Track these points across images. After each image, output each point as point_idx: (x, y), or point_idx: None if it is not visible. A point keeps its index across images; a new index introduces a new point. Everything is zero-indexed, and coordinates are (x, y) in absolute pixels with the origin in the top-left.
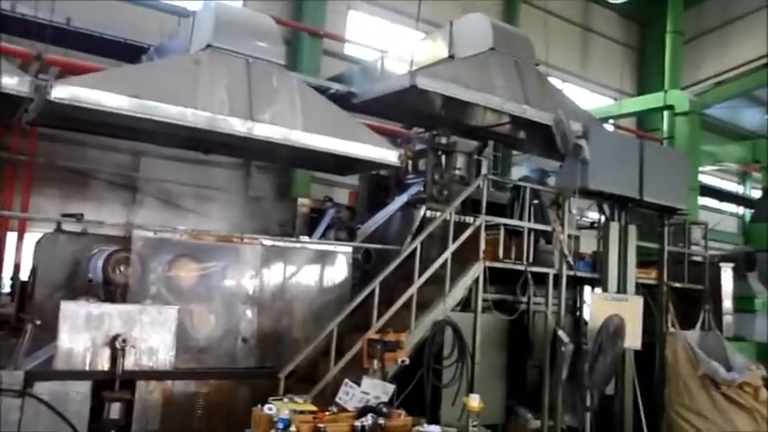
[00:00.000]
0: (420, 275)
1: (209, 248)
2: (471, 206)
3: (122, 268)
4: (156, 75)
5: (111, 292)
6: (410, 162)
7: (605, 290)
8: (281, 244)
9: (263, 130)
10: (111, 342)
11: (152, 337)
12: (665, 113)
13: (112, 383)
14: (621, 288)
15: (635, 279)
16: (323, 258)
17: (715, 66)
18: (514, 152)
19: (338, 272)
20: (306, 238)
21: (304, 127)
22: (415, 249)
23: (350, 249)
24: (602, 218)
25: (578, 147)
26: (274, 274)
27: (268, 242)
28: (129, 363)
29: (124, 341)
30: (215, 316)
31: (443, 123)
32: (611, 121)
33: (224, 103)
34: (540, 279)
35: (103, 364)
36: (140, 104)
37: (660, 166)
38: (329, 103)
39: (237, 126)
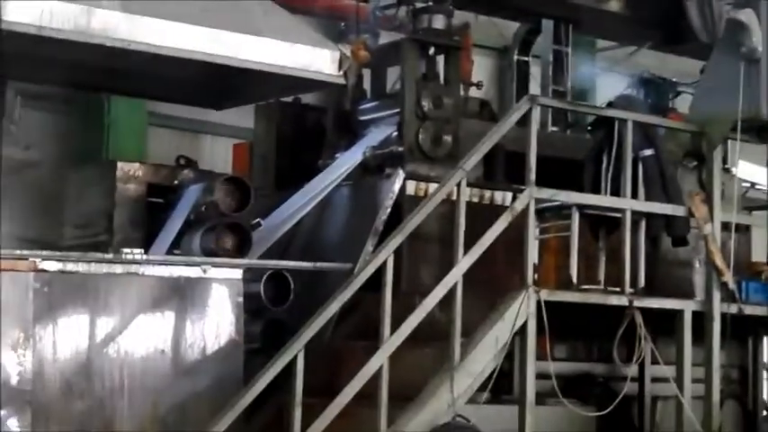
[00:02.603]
0: (395, 328)
1: None
2: (506, 168)
3: None
4: None
5: None
6: (365, 74)
7: None
8: (80, 267)
9: (23, 11)
10: None
11: None
12: None
13: None
14: None
15: None
16: (177, 295)
17: None
18: (600, 44)
19: (213, 325)
20: (138, 253)
21: (122, 3)
22: (383, 268)
23: (238, 274)
24: None
25: (738, 27)
26: (68, 336)
27: (52, 264)
28: None
29: None
30: None
31: None
32: None
33: None
34: (665, 325)
35: None
36: None
37: None
38: None
39: None
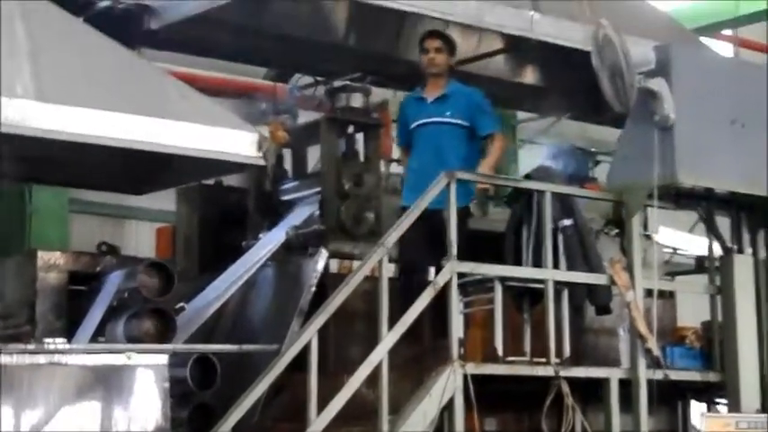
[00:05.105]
0: (323, 407)
1: None
2: None
3: None
4: None
5: None
6: (286, 154)
7: (735, 407)
8: (3, 359)
9: None
10: None
11: None
12: None
13: None
14: None
15: None
16: (102, 384)
17: None
18: (519, 115)
19: (140, 412)
20: (61, 342)
21: (37, 92)
22: (308, 348)
23: (164, 360)
24: (716, 248)
25: (650, 96)
26: None
27: None
28: None
29: None
30: None
31: (358, 63)
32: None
33: None
34: (591, 393)
35: None
36: None
37: None
38: (96, 36)
39: None
